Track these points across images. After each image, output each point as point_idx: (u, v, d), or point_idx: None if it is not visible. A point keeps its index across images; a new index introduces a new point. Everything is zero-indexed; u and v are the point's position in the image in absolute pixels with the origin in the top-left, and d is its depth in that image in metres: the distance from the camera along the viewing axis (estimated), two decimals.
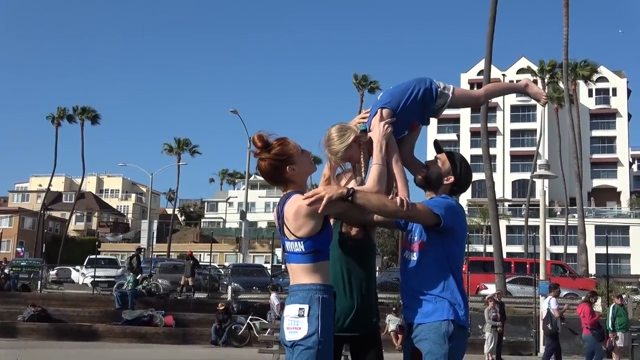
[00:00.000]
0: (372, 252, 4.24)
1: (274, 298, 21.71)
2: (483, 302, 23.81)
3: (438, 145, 4.28)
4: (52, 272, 39.66)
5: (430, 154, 4.40)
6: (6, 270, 33.25)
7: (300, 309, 3.55)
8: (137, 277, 25.30)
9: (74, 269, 41.20)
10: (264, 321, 20.49)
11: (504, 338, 19.70)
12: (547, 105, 47.55)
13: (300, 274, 3.63)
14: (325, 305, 3.56)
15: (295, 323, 3.55)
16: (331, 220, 4.13)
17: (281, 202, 3.73)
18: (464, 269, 25.84)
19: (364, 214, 3.97)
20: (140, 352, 17.39)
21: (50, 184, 76.60)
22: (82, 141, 71.43)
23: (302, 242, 3.61)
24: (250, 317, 22.10)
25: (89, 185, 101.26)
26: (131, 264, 26.62)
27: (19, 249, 63.91)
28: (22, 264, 38.60)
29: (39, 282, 30.82)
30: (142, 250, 31.17)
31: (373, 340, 4.12)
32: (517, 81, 4.76)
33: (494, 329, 18.64)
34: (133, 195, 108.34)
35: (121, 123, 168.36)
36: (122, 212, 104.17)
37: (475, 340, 18.48)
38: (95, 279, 30.22)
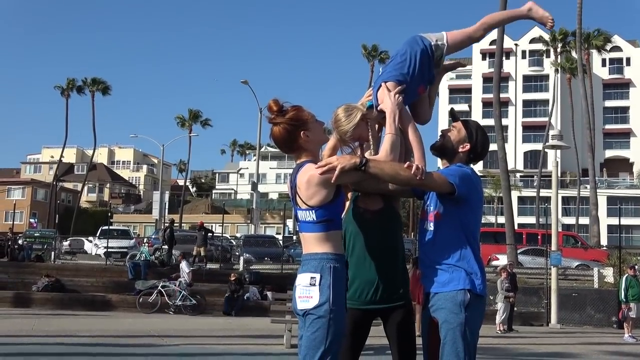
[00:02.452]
0: (394, 221, 4.13)
1: (184, 266, 21.91)
2: (495, 273, 23.86)
3: (454, 113, 4.24)
4: (65, 243, 39.91)
5: (443, 123, 4.34)
6: (20, 241, 33.52)
7: (312, 277, 3.55)
8: (172, 249, 26.23)
9: (87, 240, 41.45)
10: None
11: (515, 309, 19.77)
12: (559, 75, 47.00)
13: (312, 243, 3.62)
14: (336, 274, 3.55)
15: (307, 292, 3.55)
16: (349, 195, 4.13)
17: (294, 172, 3.73)
18: None
19: (378, 184, 3.92)
20: (153, 321, 17.53)
21: (62, 156, 76.93)
22: (93, 112, 71.69)
23: (313, 211, 3.60)
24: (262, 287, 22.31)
25: (101, 156, 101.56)
26: (164, 237, 26.84)
27: (32, 220, 64.28)
28: (35, 234, 38.81)
29: (53, 253, 31.04)
30: (174, 221, 31.58)
31: (402, 313, 4.03)
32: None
33: (506, 300, 18.68)
34: (144, 167, 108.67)
35: (132, 94, 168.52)
36: (133, 183, 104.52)
37: (487, 310, 18.51)
38: (108, 250, 30.43)
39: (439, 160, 4.24)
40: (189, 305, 20.55)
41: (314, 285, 3.53)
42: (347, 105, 4.00)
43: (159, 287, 20.71)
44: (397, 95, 3.94)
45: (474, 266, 3.85)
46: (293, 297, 3.67)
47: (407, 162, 3.76)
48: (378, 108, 4.03)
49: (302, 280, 3.59)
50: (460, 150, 4.01)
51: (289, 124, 3.67)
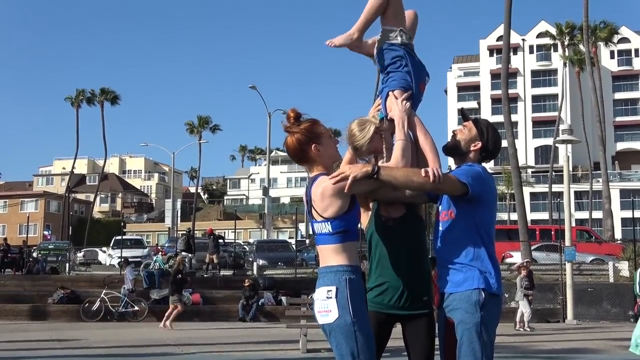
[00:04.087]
0: (417, 227, 4.11)
1: (127, 272, 21.83)
2: (508, 271, 23.79)
3: (464, 113, 4.25)
4: (80, 254, 40.12)
5: (453, 122, 4.31)
6: (34, 254, 33.71)
7: (328, 291, 3.55)
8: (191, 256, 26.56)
9: (101, 250, 41.66)
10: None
11: (531, 306, 19.67)
12: (568, 69, 46.55)
13: (328, 255, 3.63)
14: (352, 285, 3.55)
15: (325, 306, 3.55)
16: (370, 204, 4.15)
17: (308, 185, 3.75)
18: None
19: (393, 192, 3.93)
20: (168, 330, 17.56)
21: (73, 167, 77.30)
22: (102, 123, 72.02)
23: (329, 223, 3.60)
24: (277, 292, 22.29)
25: (112, 166, 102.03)
26: (189, 244, 26.92)
27: (45, 232, 64.60)
28: (49, 247, 39.04)
29: (67, 265, 31.20)
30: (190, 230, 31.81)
31: (424, 321, 4.01)
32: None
33: (526, 298, 18.53)
34: (156, 175, 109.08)
35: (141, 103, 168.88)
36: (145, 192, 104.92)
37: (503, 308, 18.43)
38: (122, 260, 30.52)
39: (449, 159, 4.24)
40: (131, 312, 20.62)
41: (331, 298, 3.53)
42: (360, 120, 4.04)
43: (102, 295, 20.72)
44: (404, 102, 3.98)
45: (487, 265, 3.83)
46: (314, 312, 3.68)
47: (423, 168, 3.75)
48: (388, 117, 4.05)
49: (320, 294, 3.60)
50: (472, 149, 4.02)
51: (302, 134, 3.70)
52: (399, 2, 4.20)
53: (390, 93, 4.07)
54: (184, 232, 30.69)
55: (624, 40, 73.40)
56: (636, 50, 77.01)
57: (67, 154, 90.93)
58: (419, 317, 4.00)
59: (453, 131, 4.13)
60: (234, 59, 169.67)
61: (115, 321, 20.27)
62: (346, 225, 3.61)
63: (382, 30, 4.21)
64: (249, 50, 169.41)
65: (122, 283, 21.89)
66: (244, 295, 21.32)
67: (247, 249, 38.28)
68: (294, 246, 32.84)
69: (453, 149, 4.06)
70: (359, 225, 3.93)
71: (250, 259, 31.48)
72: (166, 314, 18.27)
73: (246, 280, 22.34)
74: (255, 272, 26.88)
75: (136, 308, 20.77)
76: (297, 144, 3.71)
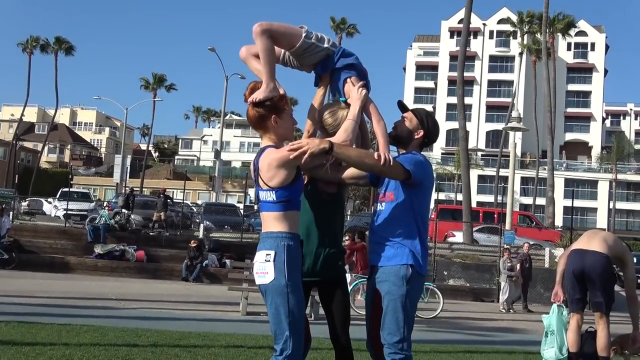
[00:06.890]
0: (341, 206, 4.63)
1: (6, 221, 21.91)
2: (450, 250, 24.42)
3: (403, 104, 4.55)
4: (24, 204, 39.60)
5: (408, 100, 4.60)
6: None
7: (267, 254, 3.83)
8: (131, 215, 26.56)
9: (46, 201, 41.10)
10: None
11: (468, 285, 20.32)
12: (525, 57, 47.35)
13: (270, 222, 3.90)
14: (290, 251, 3.83)
15: (263, 268, 3.84)
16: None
17: (257, 155, 4.00)
18: (432, 216, 26.32)
19: (336, 173, 4.35)
20: (111, 285, 17.66)
21: (22, 114, 75.71)
22: (55, 72, 70.55)
23: (274, 192, 3.86)
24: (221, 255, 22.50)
25: (62, 117, 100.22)
26: (127, 203, 26.77)
27: None
28: None
29: (11, 213, 30.80)
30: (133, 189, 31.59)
31: (339, 283, 4.50)
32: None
33: (509, 279, 19.30)
34: (107, 129, 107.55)
35: (96, 55, 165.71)
36: (95, 145, 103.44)
37: (440, 285, 18.98)
38: (68, 212, 30.29)
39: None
40: (1, 260, 20.65)
41: (269, 261, 3.81)
42: (331, 109, 4.33)
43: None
44: (360, 89, 4.25)
45: (417, 246, 4.18)
46: (253, 273, 3.96)
47: (375, 152, 4.07)
48: (348, 100, 4.32)
49: (259, 257, 3.88)
50: (415, 137, 4.38)
51: (267, 108, 3.97)
52: (282, 28, 4.21)
53: (348, 79, 4.34)
54: (128, 191, 30.49)
55: (582, 33, 74.74)
56: (592, 44, 78.52)
57: (16, 100, 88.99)
58: (334, 280, 4.46)
59: (394, 123, 4.47)
60: (194, 16, 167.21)
61: None
62: (289, 196, 3.88)
63: (305, 50, 4.29)
64: (210, 8, 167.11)
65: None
66: (189, 255, 21.49)
67: (195, 210, 38.29)
68: (241, 211, 32.98)
69: (397, 138, 4.39)
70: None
71: (197, 221, 31.58)
72: None
73: (192, 241, 22.49)
74: (201, 233, 27.02)
75: (5, 256, 20.62)
76: (258, 114, 3.98)
